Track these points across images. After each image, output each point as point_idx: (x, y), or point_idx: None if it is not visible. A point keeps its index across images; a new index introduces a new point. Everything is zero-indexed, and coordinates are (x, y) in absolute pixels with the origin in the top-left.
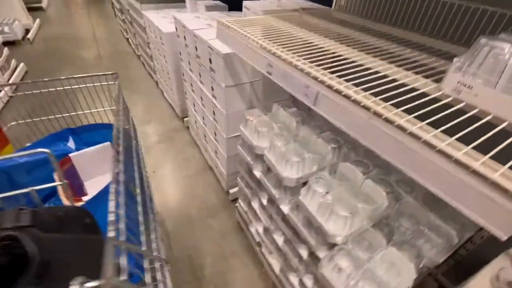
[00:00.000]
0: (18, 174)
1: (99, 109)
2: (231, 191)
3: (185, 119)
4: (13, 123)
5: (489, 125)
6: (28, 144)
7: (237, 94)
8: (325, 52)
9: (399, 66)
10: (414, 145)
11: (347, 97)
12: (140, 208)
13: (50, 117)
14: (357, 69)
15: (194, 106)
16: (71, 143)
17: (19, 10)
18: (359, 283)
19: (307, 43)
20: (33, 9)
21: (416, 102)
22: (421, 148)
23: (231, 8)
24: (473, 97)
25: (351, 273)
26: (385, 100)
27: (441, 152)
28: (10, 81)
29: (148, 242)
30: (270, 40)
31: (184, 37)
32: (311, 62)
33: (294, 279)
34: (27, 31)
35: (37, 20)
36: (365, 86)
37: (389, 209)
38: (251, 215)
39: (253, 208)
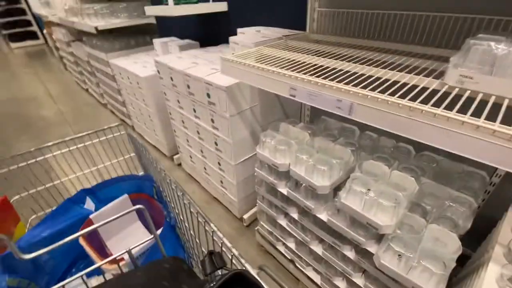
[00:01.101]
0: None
1: (105, 164)
2: (245, 216)
3: (175, 156)
4: (17, 197)
5: (497, 104)
6: (33, 218)
7: (240, 121)
8: (332, 70)
9: (399, 71)
10: (457, 128)
11: (384, 101)
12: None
13: (55, 182)
14: (371, 79)
15: (188, 141)
16: (88, 204)
17: None
18: (421, 262)
19: (314, 65)
20: None
21: (435, 97)
22: (464, 129)
23: (202, 45)
24: (475, 84)
25: (411, 256)
26: (412, 99)
27: (480, 128)
28: None
29: None
30: (279, 67)
31: (171, 78)
32: (331, 79)
33: (340, 283)
34: None
35: None
36: (389, 91)
37: (418, 193)
38: (278, 233)
39: (280, 226)
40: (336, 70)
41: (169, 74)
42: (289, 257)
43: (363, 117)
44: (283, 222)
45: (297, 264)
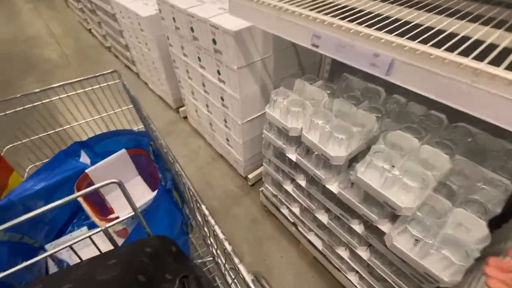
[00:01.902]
0: (34, 203)
1: (102, 115)
2: (250, 176)
3: (181, 109)
4: (9, 146)
5: None
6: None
7: (250, 75)
8: (370, 14)
9: (458, 19)
10: None
11: (439, 59)
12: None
13: (49, 132)
14: (420, 29)
15: (193, 94)
16: (84, 158)
17: None
18: (441, 251)
19: (346, 6)
20: None
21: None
22: None
23: None
24: None
25: (429, 242)
26: (477, 59)
27: None
28: None
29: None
30: (300, 7)
31: (173, 18)
32: (367, 26)
33: (343, 253)
34: None
35: None
36: (445, 47)
37: (451, 171)
38: (283, 197)
39: (285, 191)
40: (375, 14)
41: (171, 13)
42: (292, 220)
43: (405, 79)
44: (289, 187)
45: (299, 228)
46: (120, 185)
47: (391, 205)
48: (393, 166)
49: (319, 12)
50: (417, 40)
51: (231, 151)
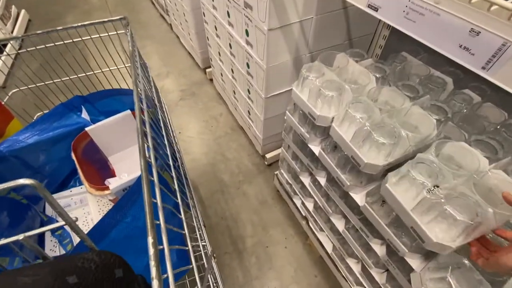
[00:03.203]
0: (30, 156)
1: (111, 68)
2: (268, 155)
3: (208, 70)
4: (15, 90)
5: None
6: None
7: (282, 39)
8: None
9: None
10: None
11: None
12: (179, 199)
13: (56, 80)
14: None
15: (220, 55)
16: (84, 114)
17: None
18: None
19: None
20: None
21: None
22: None
23: None
24: None
25: None
26: None
27: None
28: (15, 32)
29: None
30: None
31: None
32: None
33: (354, 265)
34: None
35: None
36: None
37: None
38: (298, 189)
39: (301, 182)
40: None
41: None
42: (303, 214)
43: None
44: (305, 180)
45: (310, 224)
46: (39, 189)
47: (422, 237)
48: (437, 186)
49: None
50: None
51: (251, 125)
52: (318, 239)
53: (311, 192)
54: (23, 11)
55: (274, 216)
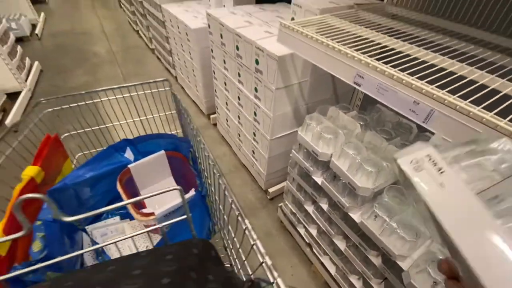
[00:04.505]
0: (82, 189)
1: (147, 117)
2: (271, 190)
3: (212, 116)
4: (66, 134)
5: None
6: (79, 155)
7: (285, 95)
8: (413, 60)
9: (500, 76)
10: None
11: (478, 117)
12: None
13: (101, 126)
14: (463, 82)
15: (227, 104)
16: (128, 154)
17: (24, 4)
18: None
19: (390, 49)
20: (35, 2)
21: None
22: None
23: (258, 0)
24: None
25: None
26: None
27: None
28: (28, 82)
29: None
30: (347, 46)
31: (221, 35)
32: (410, 73)
33: (356, 281)
34: (33, 26)
35: (42, 14)
36: (486, 104)
37: None
38: (301, 217)
39: (305, 211)
40: (418, 61)
41: (219, 30)
42: (307, 241)
43: (442, 129)
44: (309, 208)
45: (314, 250)
46: (181, 191)
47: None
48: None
49: (364, 53)
50: (457, 94)
51: (255, 163)
52: (322, 264)
53: (315, 218)
54: (36, 62)
55: (278, 246)
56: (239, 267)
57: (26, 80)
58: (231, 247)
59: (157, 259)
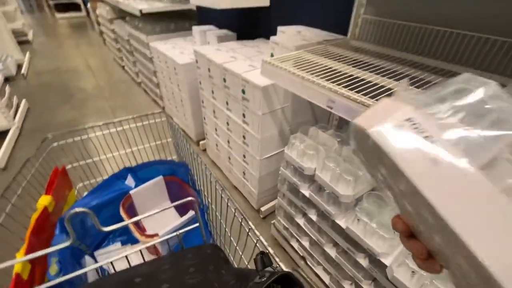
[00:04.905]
0: (86, 216)
1: (145, 145)
2: (263, 208)
3: (201, 142)
4: (69, 166)
5: None
6: (80, 185)
7: (270, 119)
8: (374, 86)
9: None
10: None
11: None
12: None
13: (101, 157)
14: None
15: (216, 130)
16: (129, 181)
17: (11, 45)
18: (434, 282)
19: (355, 77)
20: (20, 43)
21: None
22: None
23: (239, 37)
24: None
25: (424, 274)
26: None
27: None
28: (16, 119)
29: None
30: (319, 76)
31: (209, 69)
32: (371, 97)
33: (349, 287)
34: (19, 66)
35: (27, 54)
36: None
37: None
38: (294, 231)
39: (296, 224)
40: (378, 86)
41: (207, 65)
42: (301, 254)
43: None
44: (300, 221)
45: (308, 262)
46: (193, 202)
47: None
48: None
49: (334, 82)
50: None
51: (246, 184)
52: (316, 274)
53: (306, 230)
54: (23, 100)
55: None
56: None
57: (14, 118)
58: (232, 258)
59: (180, 257)
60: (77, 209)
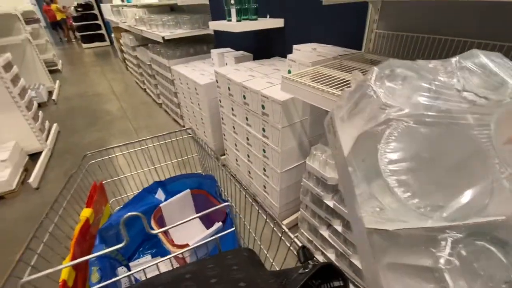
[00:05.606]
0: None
1: (167, 162)
2: (284, 222)
3: (221, 157)
4: (104, 182)
5: None
6: (112, 200)
7: (290, 132)
8: None
9: None
10: None
11: None
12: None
13: (133, 173)
14: None
15: (236, 146)
16: (159, 195)
17: (43, 75)
18: None
19: None
20: (51, 72)
21: None
22: None
23: (255, 57)
24: None
25: None
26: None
27: None
28: (48, 142)
29: None
30: (337, 88)
31: (229, 87)
32: None
33: None
34: (50, 92)
35: (57, 82)
36: None
37: None
38: (319, 243)
39: (321, 236)
40: None
41: (227, 84)
42: None
43: None
44: (325, 232)
45: None
46: (231, 206)
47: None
48: None
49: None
50: None
51: (266, 197)
52: None
53: (331, 242)
54: (55, 124)
55: None
56: None
57: (46, 141)
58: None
59: (221, 258)
60: (131, 213)
